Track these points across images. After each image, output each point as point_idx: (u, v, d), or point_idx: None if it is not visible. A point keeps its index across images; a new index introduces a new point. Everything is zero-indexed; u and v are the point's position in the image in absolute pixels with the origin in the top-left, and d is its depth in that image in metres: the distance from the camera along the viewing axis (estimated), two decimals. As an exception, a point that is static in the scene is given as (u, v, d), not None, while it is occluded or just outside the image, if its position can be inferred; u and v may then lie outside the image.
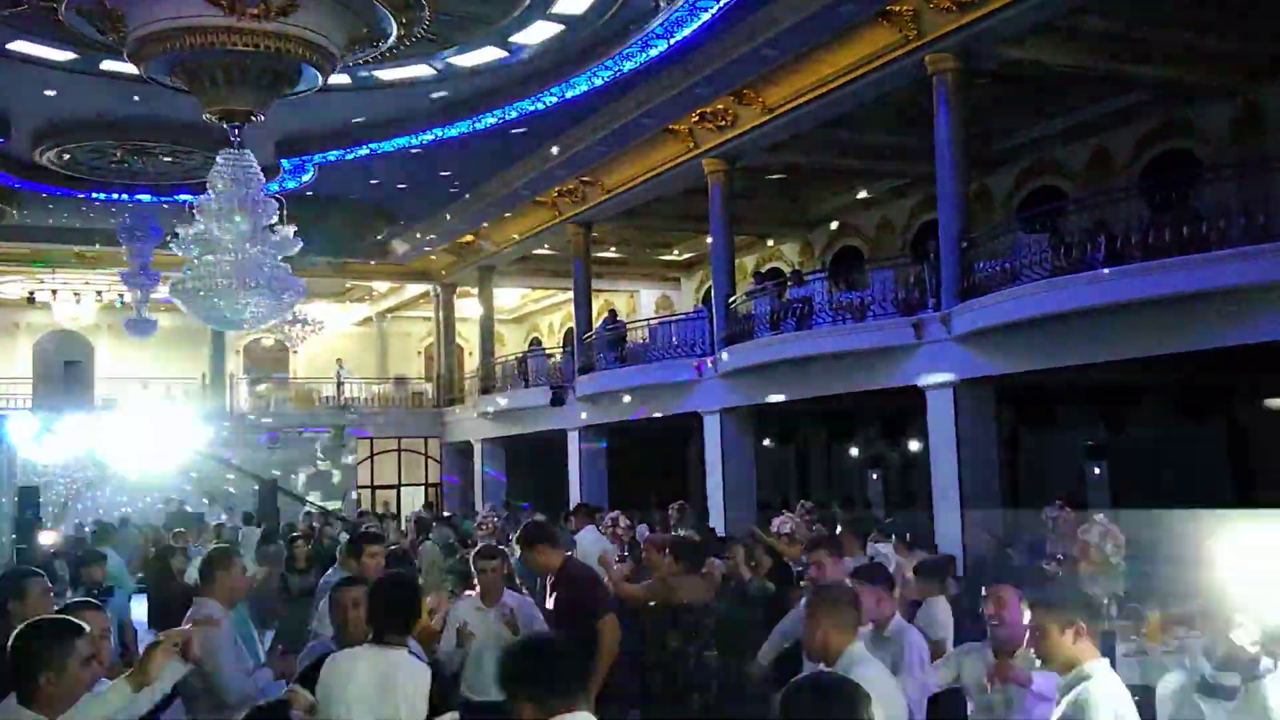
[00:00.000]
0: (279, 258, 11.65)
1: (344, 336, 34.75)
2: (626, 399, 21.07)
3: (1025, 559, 12.14)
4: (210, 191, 11.50)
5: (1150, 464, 17.28)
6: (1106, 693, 3.93)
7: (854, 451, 23.77)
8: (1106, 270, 12.32)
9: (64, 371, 30.50)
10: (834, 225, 23.85)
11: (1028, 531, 14.43)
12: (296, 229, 11.95)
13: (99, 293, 29.00)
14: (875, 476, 23.13)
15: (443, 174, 20.91)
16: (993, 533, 13.98)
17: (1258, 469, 16.58)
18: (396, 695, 4.44)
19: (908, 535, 10.68)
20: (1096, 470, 18.55)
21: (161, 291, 20.27)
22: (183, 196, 15.21)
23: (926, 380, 14.85)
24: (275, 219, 11.73)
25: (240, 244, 11.30)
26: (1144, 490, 16.85)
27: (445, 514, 21.91)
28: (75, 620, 3.77)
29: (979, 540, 13.95)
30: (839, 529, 12.29)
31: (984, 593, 5.90)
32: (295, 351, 34.12)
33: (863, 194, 22.15)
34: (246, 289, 11.08)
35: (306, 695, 4.52)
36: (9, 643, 3.62)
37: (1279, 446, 16.17)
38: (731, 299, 18.78)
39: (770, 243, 25.59)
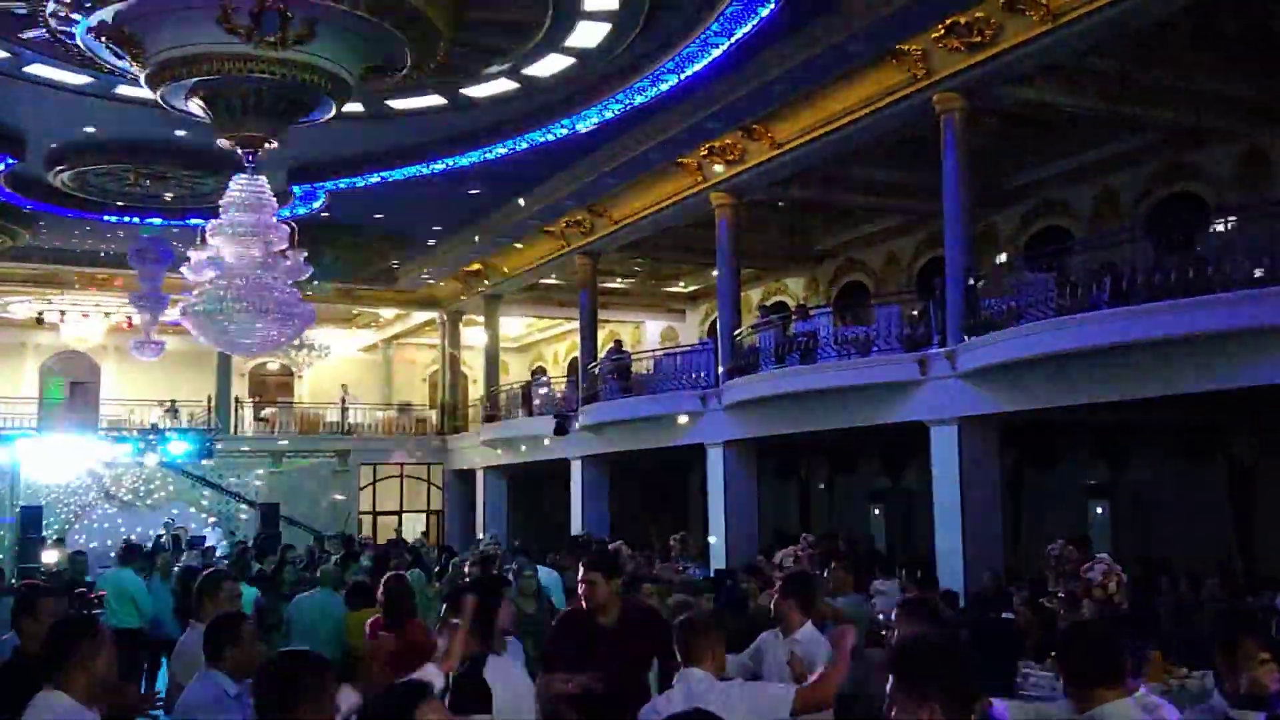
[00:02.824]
0: (289, 283, 11.74)
1: (349, 362, 34.83)
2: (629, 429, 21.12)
3: (1024, 595, 12.12)
4: (222, 216, 11.60)
5: (1152, 504, 17.29)
6: None
7: (856, 486, 23.74)
8: (1111, 310, 12.39)
9: (70, 392, 30.67)
10: (839, 260, 23.96)
11: (1029, 569, 14.45)
12: (307, 255, 12.05)
13: (107, 314, 29.12)
14: (877, 511, 23.10)
15: (452, 202, 21.04)
16: (993, 570, 13.99)
17: (1259, 510, 16.57)
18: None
19: (918, 573, 10.64)
20: (1098, 509, 18.55)
21: (169, 315, 20.41)
22: (194, 220, 15.32)
23: (931, 417, 14.89)
24: (286, 244, 11.83)
25: (251, 269, 11.39)
26: (1146, 530, 16.88)
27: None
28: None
29: (980, 577, 13.96)
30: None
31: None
32: (300, 377, 34.24)
33: (869, 229, 22.26)
34: (256, 314, 11.15)
35: None
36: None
37: (1279, 488, 16.19)
38: (736, 332, 18.85)
39: (776, 276, 25.70)
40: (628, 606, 6.18)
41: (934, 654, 3.05)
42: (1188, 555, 15.06)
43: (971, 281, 14.52)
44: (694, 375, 19.79)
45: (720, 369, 18.84)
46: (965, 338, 14.25)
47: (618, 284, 27.66)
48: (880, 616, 8.13)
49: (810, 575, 7.42)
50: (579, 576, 6.07)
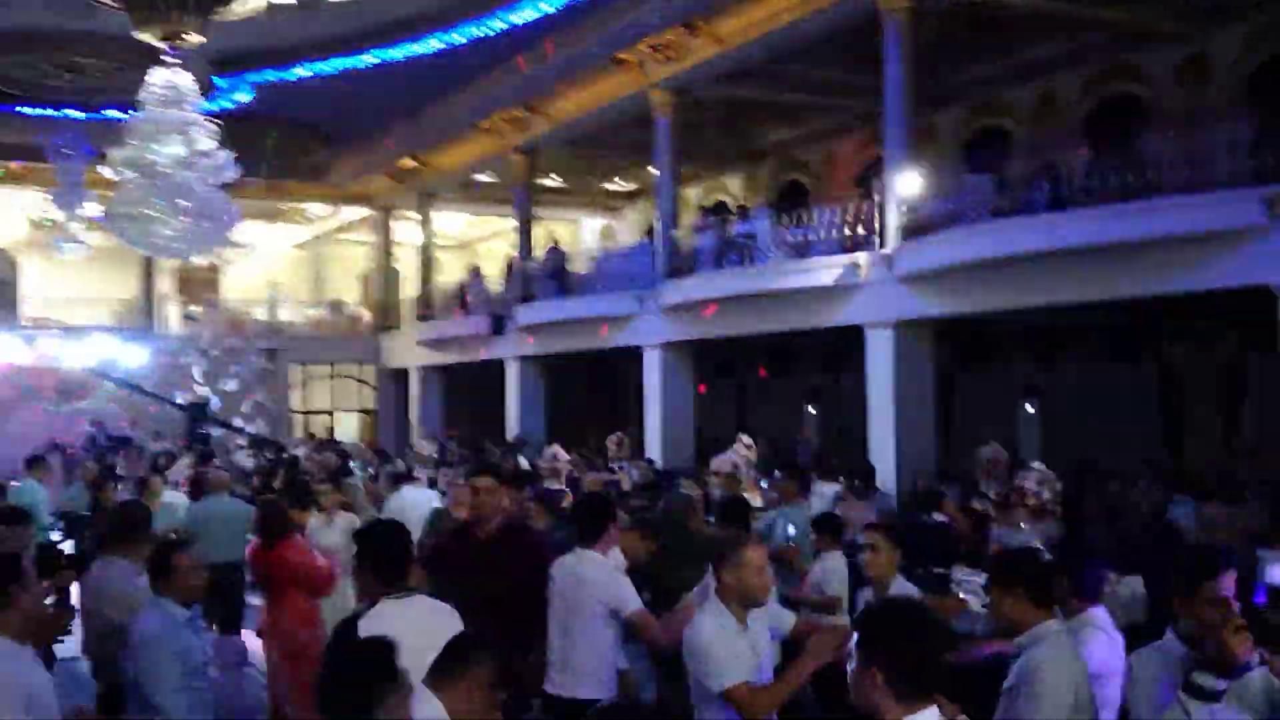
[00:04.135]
0: (215, 183, 11.33)
1: (279, 259, 34.12)
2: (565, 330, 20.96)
3: (957, 495, 12.26)
4: (142, 113, 11.12)
5: (1083, 404, 17.52)
6: (1055, 660, 3.90)
7: (792, 386, 23.84)
8: (1048, 215, 12.39)
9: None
10: (779, 159, 23.72)
11: (960, 468, 14.65)
12: (236, 154, 11.61)
13: (24, 210, 28.13)
14: (812, 410, 23.25)
15: (385, 97, 20.47)
16: (926, 471, 14.15)
17: (1187, 412, 16.87)
18: None
19: (855, 481, 10.64)
20: (1029, 409, 18.79)
21: (91, 211, 19.79)
22: (113, 114, 14.72)
23: (867, 320, 14.90)
24: (213, 142, 11.39)
25: (174, 167, 10.97)
26: (1076, 430, 17.13)
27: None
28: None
29: (913, 479, 14.10)
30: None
31: (861, 538, 6.00)
32: (224, 274, 33.48)
33: (809, 128, 22.01)
34: (180, 214, 10.76)
35: None
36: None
37: (1207, 390, 16.48)
38: (675, 232, 18.67)
39: (715, 175, 25.41)
40: (507, 522, 5.99)
41: (889, 623, 3.00)
42: (1118, 455, 15.32)
43: (907, 185, 14.46)
44: (631, 277, 19.60)
45: (659, 270, 18.68)
46: (903, 240, 14.21)
47: (554, 182, 27.22)
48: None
49: (743, 499, 7.36)
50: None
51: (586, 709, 3.48)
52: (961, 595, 5.94)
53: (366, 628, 4.30)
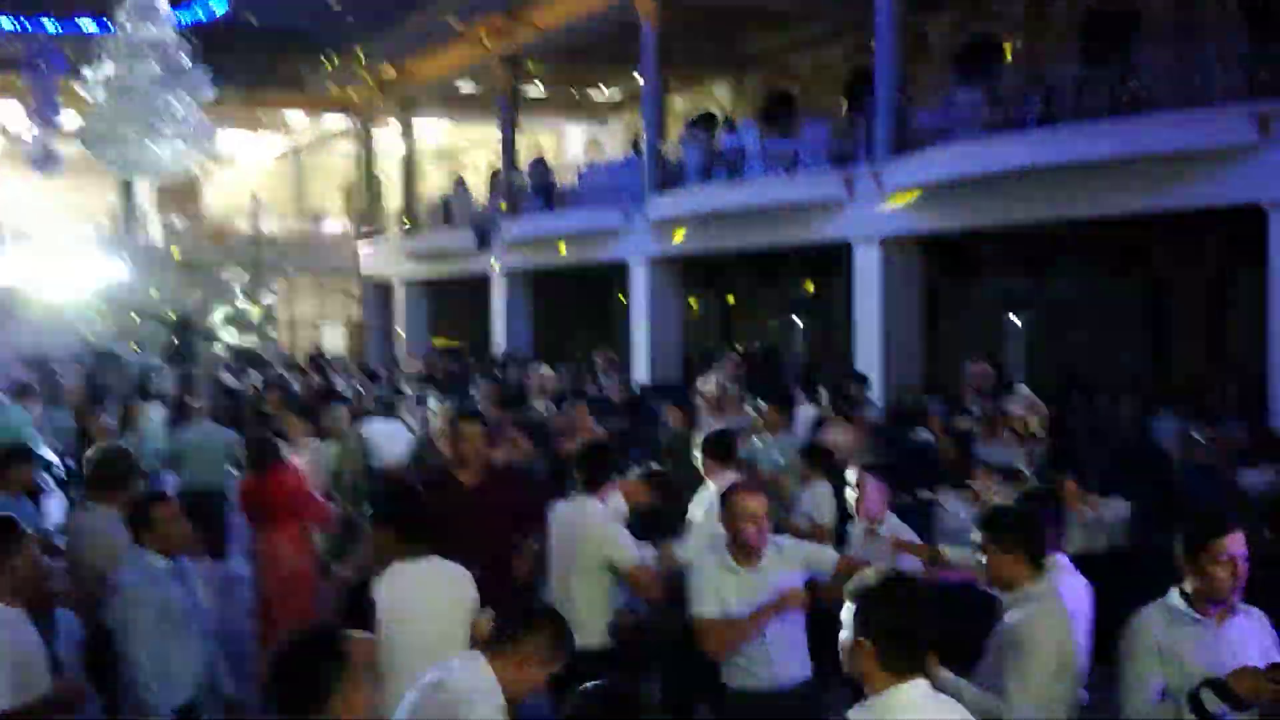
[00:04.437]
0: (192, 101, 11.09)
1: (261, 170, 33.63)
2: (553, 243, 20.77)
3: (942, 412, 12.25)
4: (115, 30, 10.82)
5: (1068, 318, 17.51)
6: (1046, 620, 3.86)
7: (779, 298, 23.73)
8: (1039, 132, 12.25)
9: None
10: (767, 67, 23.32)
11: (945, 379, 14.66)
12: (211, 70, 11.33)
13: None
14: (799, 321, 23.19)
15: (365, 4, 20.03)
16: (911, 387, 14.16)
17: (1175, 321, 16.85)
18: None
19: (840, 401, 10.52)
20: (1016, 321, 18.75)
21: (69, 122, 19.38)
22: (87, 25, 14.33)
23: (856, 235, 14.80)
24: (189, 60, 11.11)
25: (150, 86, 10.71)
26: (1063, 341, 17.13)
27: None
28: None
29: (899, 394, 14.11)
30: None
31: (851, 475, 5.99)
32: (206, 185, 32.99)
33: (798, 35, 21.60)
34: (156, 136, 10.53)
35: None
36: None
37: (1194, 306, 16.44)
38: (663, 145, 18.43)
39: (702, 83, 24.99)
40: (493, 466, 5.90)
41: (883, 601, 3.01)
42: (1104, 369, 15.33)
43: (900, 98, 14.26)
44: (618, 190, 19.39)
45: (646, 184, 18.46)
46: (893, 154, 14.06)
47: (539, 91, 26.74)
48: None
49: (727, 430, 7.29)
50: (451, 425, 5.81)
51: (586, 658, 3.50)
52: (942, 547, 5.91)
53: (380, 589, 4.34)
